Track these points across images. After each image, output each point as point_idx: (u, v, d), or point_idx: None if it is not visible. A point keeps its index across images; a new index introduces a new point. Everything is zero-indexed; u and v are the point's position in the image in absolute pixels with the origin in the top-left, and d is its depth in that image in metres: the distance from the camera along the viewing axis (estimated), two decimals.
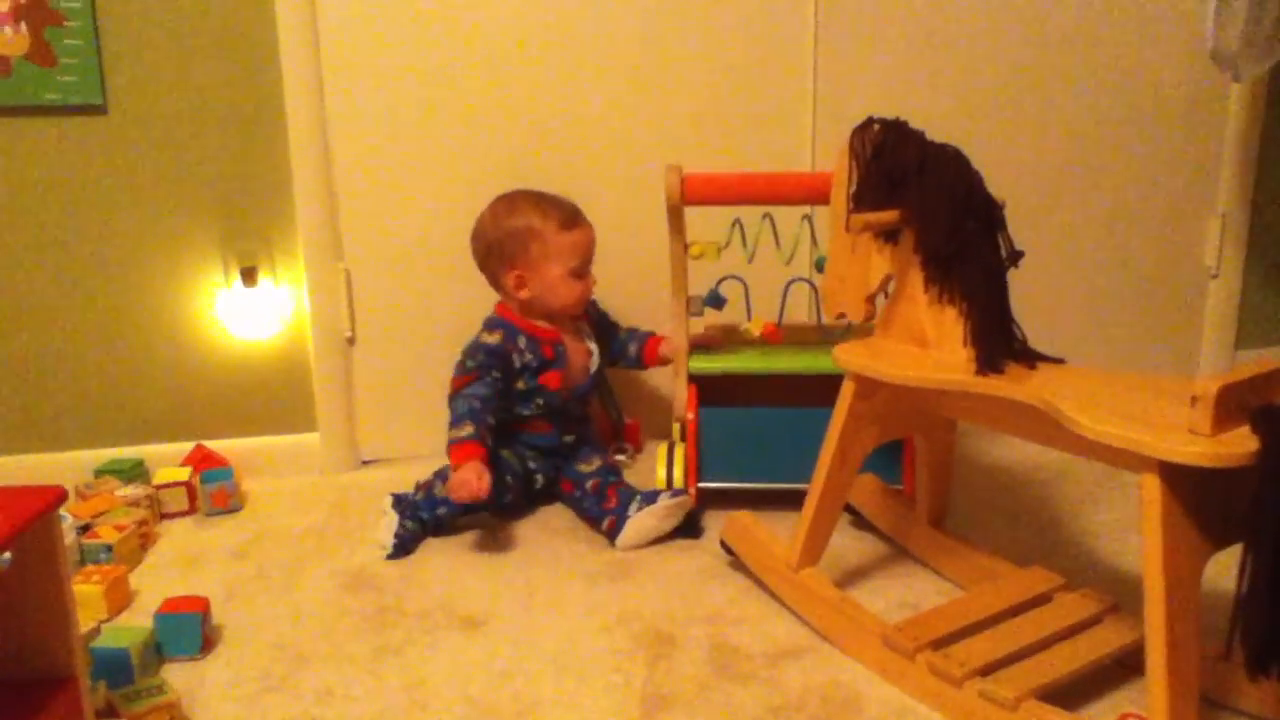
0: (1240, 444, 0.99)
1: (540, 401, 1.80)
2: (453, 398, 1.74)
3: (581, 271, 1.80)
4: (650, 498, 1.67)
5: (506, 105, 1.95)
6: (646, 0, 1.96)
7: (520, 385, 1.79)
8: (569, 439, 1.85)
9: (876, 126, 1.37)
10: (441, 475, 1.73)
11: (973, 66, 2.10)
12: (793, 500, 1.51)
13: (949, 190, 1.29)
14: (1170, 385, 1.14)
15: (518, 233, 1.77)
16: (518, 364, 1.78)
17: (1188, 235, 2.31)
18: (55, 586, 1.07)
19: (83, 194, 1.83)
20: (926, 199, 1.30)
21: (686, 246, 1.74)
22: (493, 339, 1.78)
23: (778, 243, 1.74)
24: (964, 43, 2.08)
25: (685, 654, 1.36)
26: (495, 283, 1.84)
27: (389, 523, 1.68)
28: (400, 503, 1.72)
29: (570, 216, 1.79)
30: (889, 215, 1.32)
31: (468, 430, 1.67)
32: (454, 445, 1.67)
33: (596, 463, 1.82)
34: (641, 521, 1.65)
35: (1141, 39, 2.16)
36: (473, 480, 1.60)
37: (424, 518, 1.71)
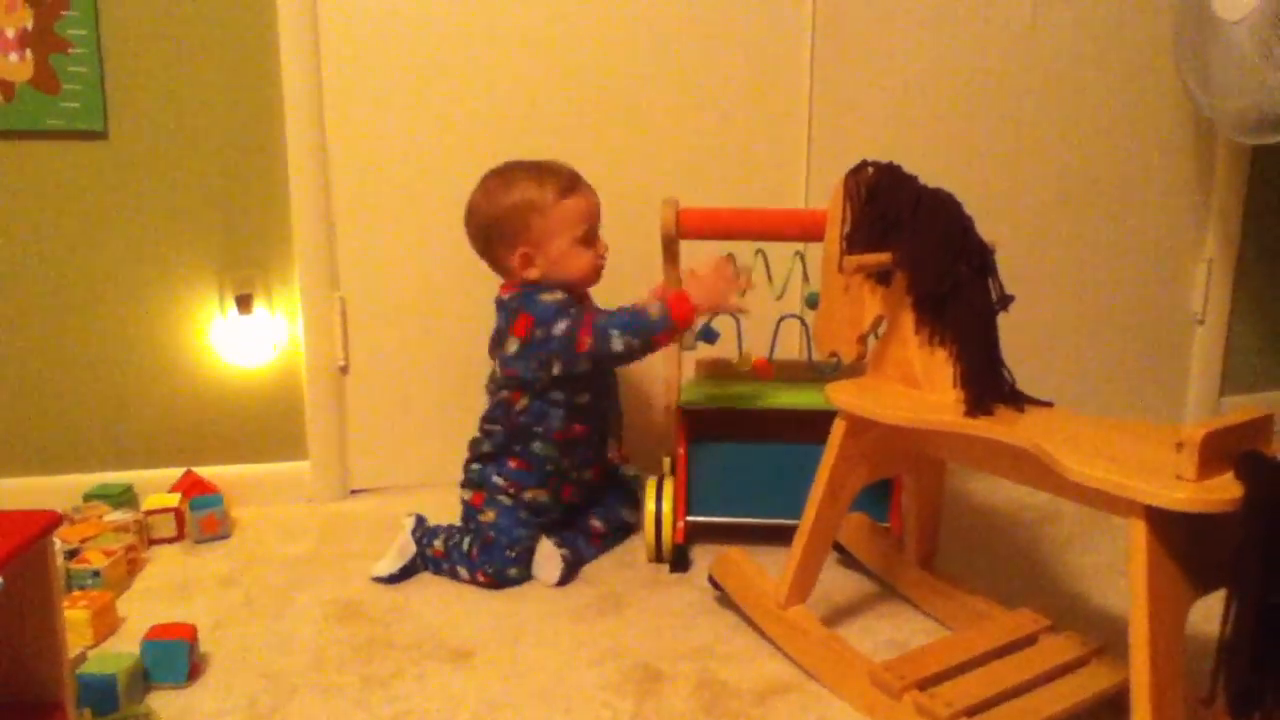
0: (1225, 490, 1.01)
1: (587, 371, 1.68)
2: (598, 337, 1.61)
3: (590, 239, 1.70)
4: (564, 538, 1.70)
5: (505, 139, 1.97)
6: (644, 36, 1.99)
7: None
8: (597, 426, 1.77)
9: (871, 170, 1.39)
10: (464, 530, 1.70)
11: (965, 113, 2.14)
12: (781, 536, 1.52)
13: (941, 234, 1.31)
14: (1157, 431, 1.15)
15: (516, 208, 1.66)
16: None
17: (1174, 282, 2.34)
18: (46, 612, 1.07)
19: (81, 219, 1.84)
20: (919, 242, 1.32)
21: (681, 280, 1.76)
22: (553, 297, 1.65)
23: (770, 278, 1.75)
24: (957, 90, 2.12)
25: (673, 690, 1.36)
26: (498, 266, 1.73)
27: (402, 546, 1.67)
28: (421, 532, 1.69)
29: (570, 182, 1.69)
30: (881, 257, 1.34)
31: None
32: (660, 313, 1.61)
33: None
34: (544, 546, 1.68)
35: (1131, 88, 2.21)
36: (720, 280, 1.61)
37: (431, 566, 1.69)
